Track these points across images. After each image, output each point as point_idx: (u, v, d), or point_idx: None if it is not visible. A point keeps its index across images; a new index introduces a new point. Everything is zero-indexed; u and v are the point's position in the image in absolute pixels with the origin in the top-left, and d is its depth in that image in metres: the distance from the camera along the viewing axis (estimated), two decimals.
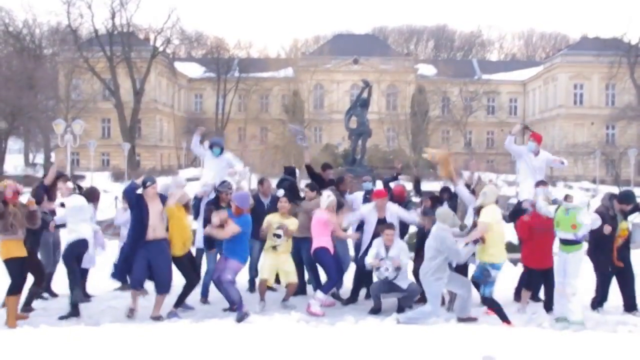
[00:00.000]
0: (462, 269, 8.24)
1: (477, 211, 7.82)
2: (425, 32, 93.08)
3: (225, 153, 9.92)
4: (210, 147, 9.73)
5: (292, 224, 8.35)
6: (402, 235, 8.84)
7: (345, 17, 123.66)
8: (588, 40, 61.32)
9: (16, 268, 7.34)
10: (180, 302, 7.97)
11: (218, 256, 8.36)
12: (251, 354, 5.40)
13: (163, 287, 7.71)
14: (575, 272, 7.62)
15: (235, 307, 7.58)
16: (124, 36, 51.70)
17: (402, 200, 9.20)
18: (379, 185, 10.49)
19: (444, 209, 7.71)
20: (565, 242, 7.68)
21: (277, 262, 8.26)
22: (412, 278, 8.29)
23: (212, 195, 8.96)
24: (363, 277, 8.78)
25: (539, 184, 8.37)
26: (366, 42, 69.62)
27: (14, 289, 7.37)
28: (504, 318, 7.37)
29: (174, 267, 7.91)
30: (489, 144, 65.49)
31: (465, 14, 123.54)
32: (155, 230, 7.61)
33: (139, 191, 7.76)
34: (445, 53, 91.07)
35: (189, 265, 8.06)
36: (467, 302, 7.60)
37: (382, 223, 8.44)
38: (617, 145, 50.77)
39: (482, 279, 7.49)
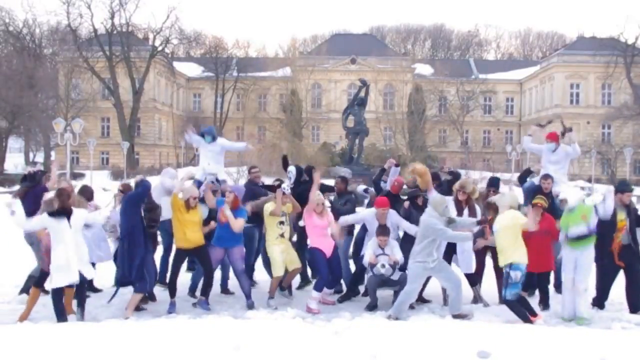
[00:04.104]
0: (446, 258, 8.27)
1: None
2: (422, 31, 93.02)
3: (219, 139, 10.02)
4: (202, 135, 9.93)
5: (289, 208, 8.58)
6: None
7: (342, 16, 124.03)
8: (584, 40, 61.52)
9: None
10: (205, 292, 8.13)
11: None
12: (250, 351, 5.48)
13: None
14: (588, 269, 7.62)
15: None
16: (123, 36, 51.88)
17: (396, 192, 9.15)
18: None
19: (439, 197, 7.77)
20: (576, 239, 7.56)
21: (285, 250, 8.39)
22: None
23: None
24: (361, 275, 8.88)
25: (544, 177, 9.04)
26: (364, 42, 69.70)
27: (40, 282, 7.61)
28: (526, 319, 7.12)
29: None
30: (485, 143, 65.64)
31: (462, 13, 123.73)
32: None
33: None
34: (443, 52, 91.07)
35: (205, 257, 8.18)
36: (456, 299, 7.58)
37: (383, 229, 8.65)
38: (613, 144, 51.09)
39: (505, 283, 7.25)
